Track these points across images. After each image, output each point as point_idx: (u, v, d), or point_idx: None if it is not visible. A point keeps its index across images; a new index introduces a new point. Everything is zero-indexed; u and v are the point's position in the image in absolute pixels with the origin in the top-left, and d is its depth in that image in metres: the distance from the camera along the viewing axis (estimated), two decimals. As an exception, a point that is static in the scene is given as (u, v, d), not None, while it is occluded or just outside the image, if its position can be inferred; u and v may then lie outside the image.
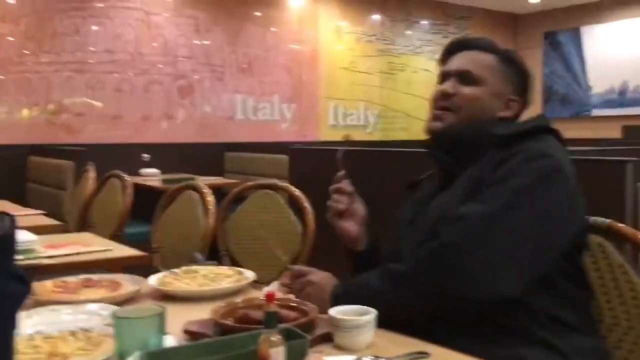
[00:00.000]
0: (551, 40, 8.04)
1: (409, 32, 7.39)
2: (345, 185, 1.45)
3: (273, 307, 0.94)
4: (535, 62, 8.22)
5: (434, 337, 1.11)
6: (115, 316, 1.01)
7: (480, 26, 8.01)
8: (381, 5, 7.14)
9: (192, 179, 4.14)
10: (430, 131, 1.37)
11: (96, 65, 5.28)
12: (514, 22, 8.39)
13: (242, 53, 6.12)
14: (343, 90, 6.85)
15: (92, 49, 5.26)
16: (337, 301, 1.22)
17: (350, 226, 1.45)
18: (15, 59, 4.94)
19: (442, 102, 1.35)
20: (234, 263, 2.27)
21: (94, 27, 5.28)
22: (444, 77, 1.39)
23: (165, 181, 4.52)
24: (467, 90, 1.33)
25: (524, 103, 1.39)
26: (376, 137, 7.04)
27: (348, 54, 6.90)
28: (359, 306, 1.17)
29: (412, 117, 7.39)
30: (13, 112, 4.99)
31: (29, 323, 1.20)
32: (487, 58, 1.37)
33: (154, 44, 5.59)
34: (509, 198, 1.16)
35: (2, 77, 4.91)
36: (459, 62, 1.37)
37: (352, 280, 1.31)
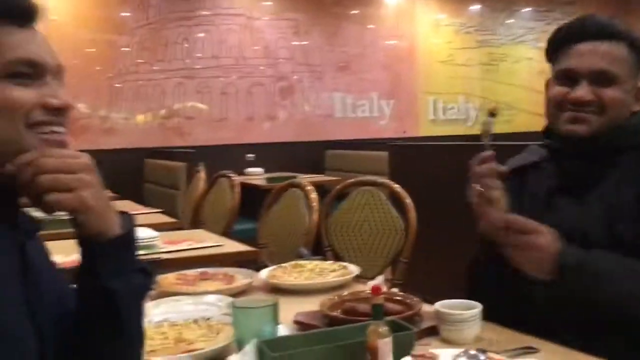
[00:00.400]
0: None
1: (510, 20, 7.15)
2: (498, 166, 1.22)
3: (380, 300, 0.98)
4: None
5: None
6: (234, 306, 1.09)
7: (587, 10, 7.58)
8: (481, -5, 6.96)
9: (294, 177, 4.27)
10: (573, 135, 1.21)
11: (203, 71, 5.56)
12: (625, 3, 7.87)
13: (340, 52, 6.19)
14: (442, 84, 6.75)
15: (199, 55, 5.54)
16: (563, 271, 1.11)
17: (498, 215, 1.20)
18: (131, 68, 5.30)
19: (582, 107, 1.20)
20: (338, 258, 2.33)
21: (201, 35, 5.56)
22: (570, 74, 1.22)
23: (269, 180, 4.68)
24: (609, 92, 1.19)
25: None
26: (478, 130, 6.87)
27: (446, 47, 6.79)
28: (463, 300, 1.18)
29: (515, 109, 7.14)
30: (130, 118, 5.36)
31: (157, 312, 1.32)
32: (620, 50, 1.21)
33: (256, 48, 5.79)
34: None
35: (120, 86, 5.29)
36: (591, 59, 1.20)
37: (586, 256, 1.13)
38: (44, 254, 0.87)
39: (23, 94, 0.76)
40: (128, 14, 5.32)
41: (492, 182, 1.20)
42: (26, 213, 0.82)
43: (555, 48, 1.28)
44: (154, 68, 5.38)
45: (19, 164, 0.74)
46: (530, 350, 1.09)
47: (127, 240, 0.81)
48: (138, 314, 0.84)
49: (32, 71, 0.77)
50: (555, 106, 1.24)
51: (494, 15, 7.05)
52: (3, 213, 0.78)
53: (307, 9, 6.00)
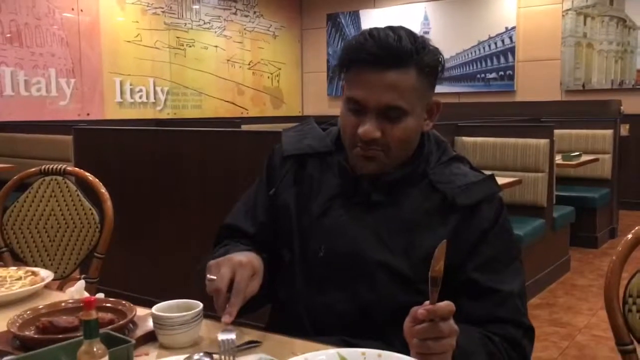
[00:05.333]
0: (333, 21, 8.47)
1: (196, 6, 7.20)
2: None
3: (93, 314, 0.82)
4: (320, 41, 8.59)
5: None
6: None
7: (268, 4, 8.11)
8: (167, -23, 6.83)
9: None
10: (362, 173, 1.17)
11: None
12: (299, 2, 8.65)
13: (7, 20, 5.39)
14: (129, 65, 6.44)
15: None
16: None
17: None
18: None
19: (368, 145, 1.13)
20: (18, 260, 2.00)
21: None
22: (357, 105, 1.13)
23: None
24: (395, 131, 1.12)
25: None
26: (167, 114, 6.78)
27: (133, 26, 6.49)
28: (183, 300, 1.09)
29: (203, 95, 7.25)
30: None
31: None
32: (409, 78, 1.11)
33: None
34: (518, 266, 1.19)
35: None
36: (378, 93, 1.10)
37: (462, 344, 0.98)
38: None
39: None
40: None
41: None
42: None
43: (343, 66, 1.16)
44: None
45: None
46: (252, 344, 1.06)
47: None
48: None
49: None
50: (346, 134, 1.17)
51: (180, -1, 7.01)
52: None
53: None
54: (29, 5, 5.54)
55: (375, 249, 1.15)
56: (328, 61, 8.54)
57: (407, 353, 0.90)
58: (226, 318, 1.02)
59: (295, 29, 8.62)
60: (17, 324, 1.04)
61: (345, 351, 0.90)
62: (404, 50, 1.10)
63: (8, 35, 5.40)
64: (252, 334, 1.09)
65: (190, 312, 1.05)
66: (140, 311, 1.15)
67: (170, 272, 3.20)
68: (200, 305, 1.08)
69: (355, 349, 0.90)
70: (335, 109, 7.98)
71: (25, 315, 1.07)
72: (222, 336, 0.95)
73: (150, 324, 1.08)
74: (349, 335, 1.12)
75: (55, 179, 2.13)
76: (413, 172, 1.19)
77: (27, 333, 1.03)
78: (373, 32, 1.12)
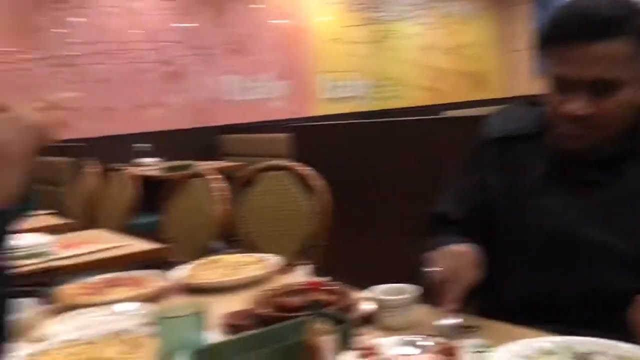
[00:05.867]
0: (540, -5, 7.95)
1: (393, -3, 7.28)
2: None
3: (320, 295, 0.91)
4: (524, 17, 8.13)
5: None
6: (160, 317, 0.97)
7: (466, -13, 7.89)
8: (366, -27, 7.01)
9: (191, 165, 4.10)
10: (569, 152, 1.12)
11: (82, 58, 5.16)
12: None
13: (230, 33, 6.00)
14: (334, 63, 6.76)
15: (76, 41, 5.13)
16: None
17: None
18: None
19: (575, 123, 1.07)
20: (252, 247, 2.25)
21: (77, 19, 5.15)
22: (564, 82, 1.08)
23: (166, 169, 4.47)
24: (609, 105, 1.05)
25: None
26: (372, 107, 6.98)
27: (336, 24, 6.80)
28: (400, 284, 1.14)
29: (405, 84, 7.32)
30: None
31: (64, 328, 1.17)
32: (624, 48, 1.03)
33: (139, 31, 5.47)
34: None
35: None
36: (587, 67, 1.04)
37: None
38: None
39: None
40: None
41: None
42: None
43: (546, 43, 1.12)
44: (24, 56, 4.91)
45: None
46: (469, 329, 1.07)
47: None
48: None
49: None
50: (552, 113, 1.13)
51: (379, -8, 7.14)
52: None
53: (190, -11, 5.75)
54: (245, 18, 6.11)
55: (592, 230, 1.09)
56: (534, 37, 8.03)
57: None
58: (448, 307, 1.03)
59: (495, 7, 8.26)
60: (255, 304, 1.19)
61: (565, 340, 0.87)
62: (609, 18, 1.03)
63: (231, 46, 6.01)
64: (468, 320, 1.10)
65: (408, 296, 1.10)
66: (360, 294, 1.22)
67: (385, 258, 3.31)
68: (418, 289, 1.12)
69: (581, 341, 0.87)
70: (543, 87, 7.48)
71: (261, 296, 1.22)
72: (444, 321, 0.97)
73: (368, 306, 1.15)
74: (565, 322, 1.08)
75: (278, 174, 2.35)
76: (632, 147, 1.10)
77: (263, 311, 1.16)
78: (575, 3, 1.08)
